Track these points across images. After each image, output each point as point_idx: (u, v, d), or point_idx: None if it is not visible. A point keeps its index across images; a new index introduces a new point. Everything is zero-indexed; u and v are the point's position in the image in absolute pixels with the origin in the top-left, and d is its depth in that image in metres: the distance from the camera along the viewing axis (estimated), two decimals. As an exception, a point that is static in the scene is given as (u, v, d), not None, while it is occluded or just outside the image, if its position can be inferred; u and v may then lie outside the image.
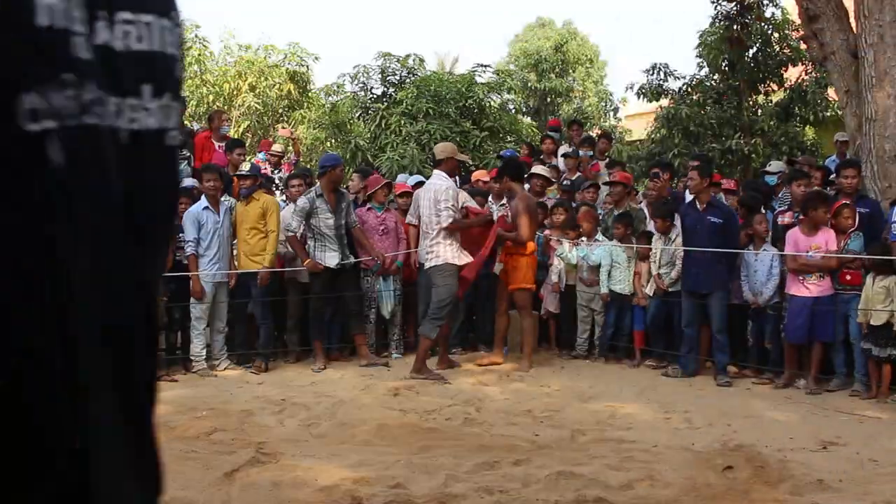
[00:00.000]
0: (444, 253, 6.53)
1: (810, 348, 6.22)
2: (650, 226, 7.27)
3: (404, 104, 11.42)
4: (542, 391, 6.05)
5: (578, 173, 9.04)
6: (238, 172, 7.67)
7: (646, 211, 7.67)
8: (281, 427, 5.00)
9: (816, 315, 6.11)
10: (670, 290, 6.87)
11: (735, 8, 9.67)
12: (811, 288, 6.17)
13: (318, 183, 7.02)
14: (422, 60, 12.67)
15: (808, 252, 6.18)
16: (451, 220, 6.51)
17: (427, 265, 6.70)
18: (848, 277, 6.06)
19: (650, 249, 7.02)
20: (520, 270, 6.87)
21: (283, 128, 13.09)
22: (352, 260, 7.12)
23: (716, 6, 12.46)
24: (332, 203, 6.93)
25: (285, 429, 4.96)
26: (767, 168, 8.11)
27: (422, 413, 5.29)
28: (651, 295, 7.03)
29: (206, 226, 6.83)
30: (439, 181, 6.67)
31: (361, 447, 4.54)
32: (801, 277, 6.21)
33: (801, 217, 6.35)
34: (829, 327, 6.10)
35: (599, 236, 7.54)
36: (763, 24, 11.75)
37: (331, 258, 6.93)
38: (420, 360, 6.48)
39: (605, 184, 8.14)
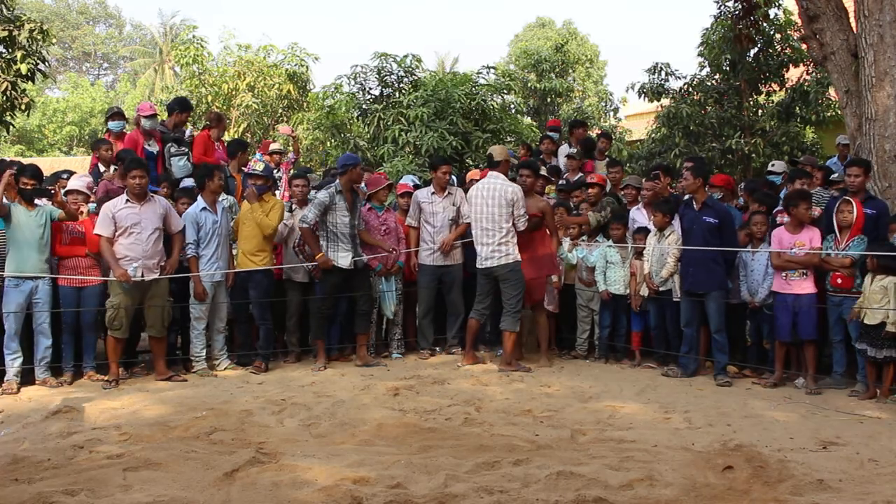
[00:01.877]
0: (513, 251, 6.82)
1: (805, 348, 6.23)
2: (638, 221, 7.36)
3: (410, 111, 11.36)
4: (542, 391, 6.05)
5: (580, 174, 9.03)
6: (251, 171, 7.60)
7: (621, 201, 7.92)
8: (281, 427, 5.00)
9: (799, 313, 6.15)
10: (661, 289, 6.88)
11: (741, 8, 9.61)
12: (793, 285, 6.21)
13: (338, 181, 7.01)
14: (419, 61, 12.63)
15: (791, 249, 6.21)
16: (526, 223, 6.86)
17: (495, 263, 6.83)
18: (839, 281, 6.08)
19: (644, 248, 7.05)
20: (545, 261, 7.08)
21: (284, 126, 13.08)
22: (364, 258, 7.12)
23: (719, 6, 12.48)
24: (349, 202, 6.96)
25: (285, 429, 4.96)
26: (771, 168, 8.09)
27: (422, 413, 5.29)
28: (645, 297, 7.04)
29: (204, 226, 6.82)
30: (504, 183, 6.87)
31: (361, 447, 4.54)
32: (783, 275, 6.26)
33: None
34: (811, 325, 6.12)
35: (599, 237, 7.55)
36: (765, 24, 11.74)
37: (343, 258, 6.94)
38: (508, 355, 6.82)
39: (584, 185, 8.10)
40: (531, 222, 6.95)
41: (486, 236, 6.87)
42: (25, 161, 8.19)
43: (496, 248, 6.81)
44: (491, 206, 6.83)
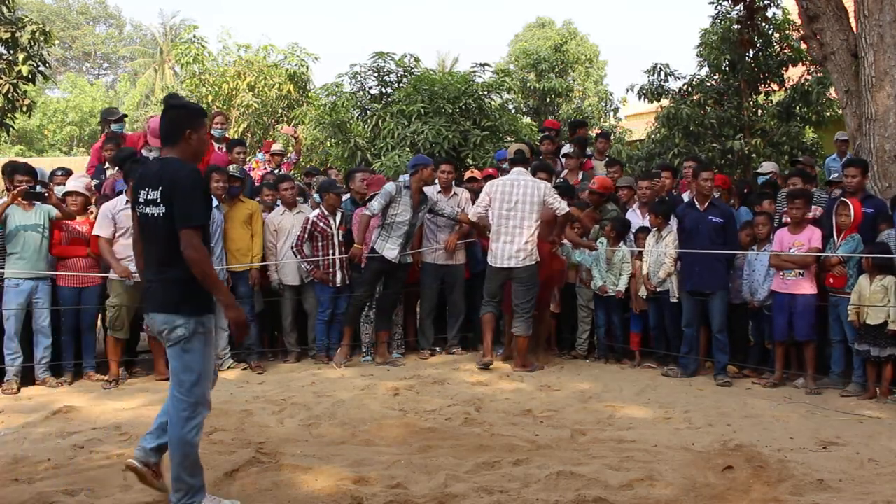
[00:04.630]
0: (535, 253, 6.78)
1: (804, 348, 6.24)
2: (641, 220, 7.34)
3: (399, 105, 11.35)
4: (542, 391, 6.05)
5: (580, 173, 9.00)
6: (233, 173, 7.59)
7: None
8: (281, 427, 5.00)
9: (794, 313, 6.16)
10: (658, 290, 6.88)
11: (742, 10, 9.60)
12: (790, 285, 6.21)
13: (409, 178, 7.08)
14: (417, 59, 12.59)
15: (790, 249, 6.22)
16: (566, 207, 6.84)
17: (516, 264, 6.75)
18: (831, 280, 6.08)
19: (643, 249, 7.04)
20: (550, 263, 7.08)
21: (286, 126, 13.05)
22: (409, 258, 7.17)
23: (716, 6, 12.46)
24: (414, 201, 7.00)
25: (285, 429, 4.96)
26: (760, 170, 8.09)
27: (422, 413, 5.30)
28: (644, 298, 7.03)
29: (214, 222, 6.81)
30: (534, 181, 6.86)
31: (361, 447, 4.54)
32: (781, 274, 6.27)
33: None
34: (806, 326, 6.13)
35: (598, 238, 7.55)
36: (764, 24, 11.73)
37: (390, 250, 6.98)
38: (523, 356, 6.84)
39: (589, 192, 7.96)
40: (542, 230, 6.88)
41: (508, 235, 6.78)
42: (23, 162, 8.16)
43: (522, 247, 6.73)
44: (519, 203, 6.75)
